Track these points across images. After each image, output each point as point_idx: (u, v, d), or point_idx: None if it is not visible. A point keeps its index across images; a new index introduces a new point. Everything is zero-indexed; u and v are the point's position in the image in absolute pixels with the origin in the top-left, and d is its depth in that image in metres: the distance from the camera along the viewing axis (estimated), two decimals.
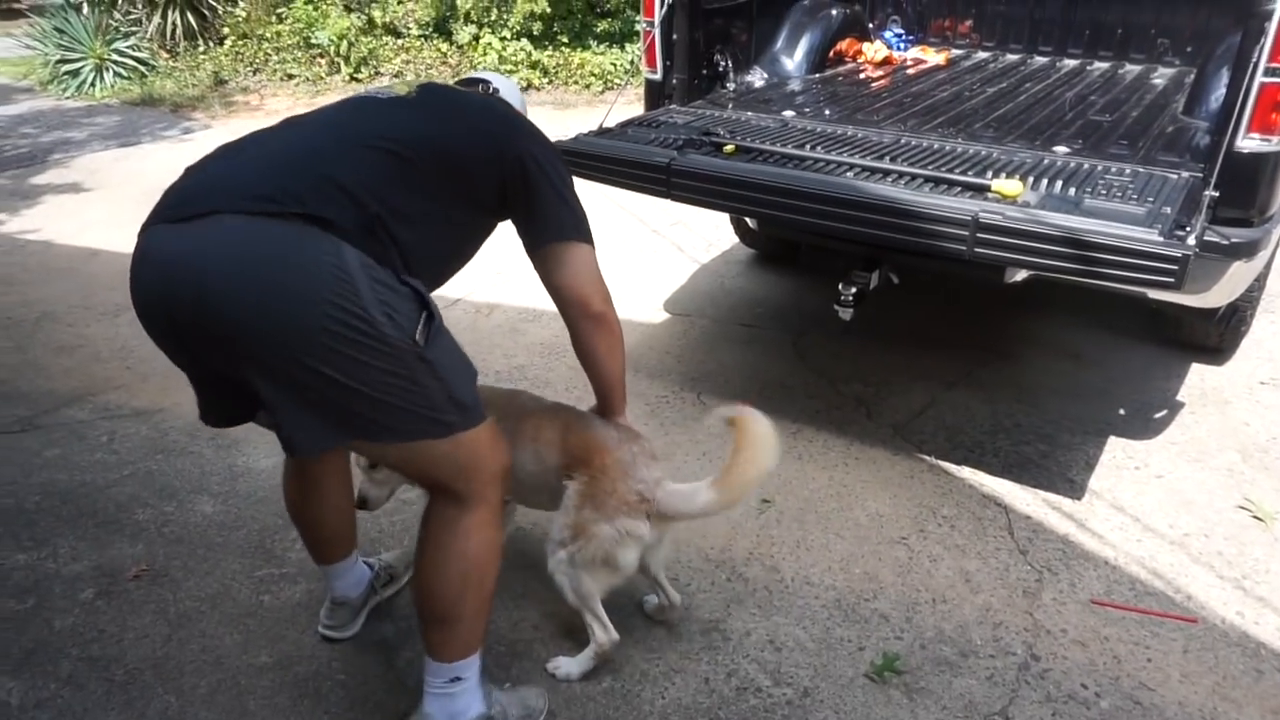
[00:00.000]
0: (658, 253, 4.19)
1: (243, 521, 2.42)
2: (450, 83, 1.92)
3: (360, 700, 1.86)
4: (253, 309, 1.30)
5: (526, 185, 1.59)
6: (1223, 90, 2.68)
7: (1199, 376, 3.07)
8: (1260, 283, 2.72)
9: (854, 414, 2.87)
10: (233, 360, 1.38)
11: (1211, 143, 2.42)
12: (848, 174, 2.22)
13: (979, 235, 1.94)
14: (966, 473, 2.57)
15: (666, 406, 2.92)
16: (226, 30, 8.28)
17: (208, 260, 1.32)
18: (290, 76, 7.83)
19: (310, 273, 1.32)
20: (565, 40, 7.69)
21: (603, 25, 7.73)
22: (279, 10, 8.19)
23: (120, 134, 6.55)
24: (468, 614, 1.56)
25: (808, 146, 2.42)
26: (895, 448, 2.69)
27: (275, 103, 7.36)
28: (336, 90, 7.48)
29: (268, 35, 8.10)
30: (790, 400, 2.94)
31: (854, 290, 2.48)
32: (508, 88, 1.88)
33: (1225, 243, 2.15)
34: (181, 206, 1.40)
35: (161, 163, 5.73)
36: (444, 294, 3.69)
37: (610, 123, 2.74)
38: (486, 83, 1.87)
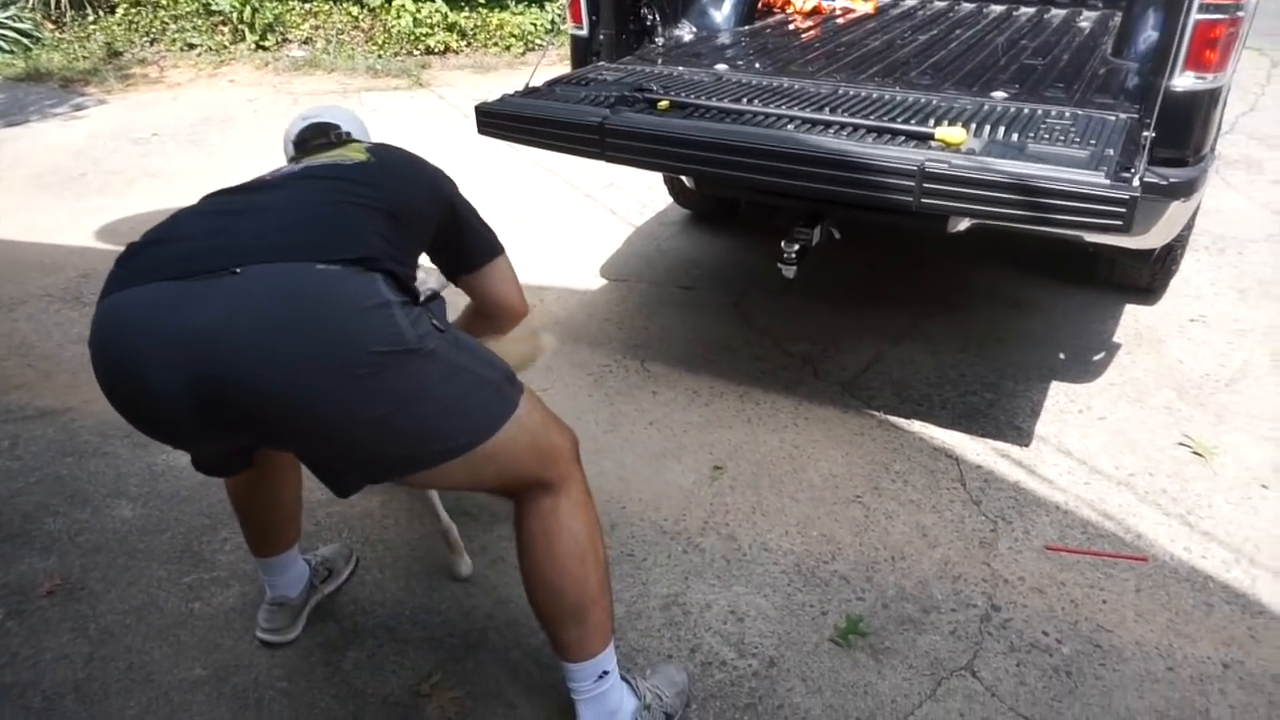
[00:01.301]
0: (591, 217, 4.07)
1: (166, 524, 2.27)
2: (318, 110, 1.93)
3: (306, 708, 1.75)
4: (309, 389, 1.20)
5: (457, 223, 1.69)
6: (1150, 32, 2.68)
7: (1133, 317, 3.11)
8: (1191, 222, 2.75)
9: (801, 373, 2.82)
10: (276, 434, 1.33)
11: (1144, 83, 2.42)
12: (788, 126, 2.14)
13: (925, 185, 1.89)
14: (916, 426, 2.55)
15: (610, 376, 2.83)
16: None
17: (247, 331, 1.18)
18: (191, 46, 7.37)
19: (357, 322, 1.23)
20: (483, 1, 7.41)
21: None
22: None
23: (5, 112, 6.08)
24: (597, 595, 1.49)
25: (745, 100, 2.33)
26: (844, 405, 2.66)
27: (177, 74, 6.93)
28: (242, 60, 7.09)
29: (163, 2, 7.61)
30: (736, 362, 2.89)
31: (796, 247, 2.41)
32: (355, 125, 1.90)
33: (1164, 183, 2.14)
34: (186, 262, 1.23)
35: (53, 143, 5.35)
36: None
37: (536, 83, 2.60)
38: (336, 127, 1.84)
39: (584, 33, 2.84)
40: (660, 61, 2.90)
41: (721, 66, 2.76)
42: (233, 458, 1.58)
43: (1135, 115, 2.26)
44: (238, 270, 1.20)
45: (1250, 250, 3.57)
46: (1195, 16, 2.05)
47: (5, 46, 7.34)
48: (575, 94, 2.44)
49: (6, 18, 7.44)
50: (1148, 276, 3.06)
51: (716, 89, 2.46)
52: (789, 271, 2.44)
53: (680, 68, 2.78)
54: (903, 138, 2.05)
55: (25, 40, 7.44)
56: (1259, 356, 2.86)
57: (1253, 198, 4.09)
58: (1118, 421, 2.56)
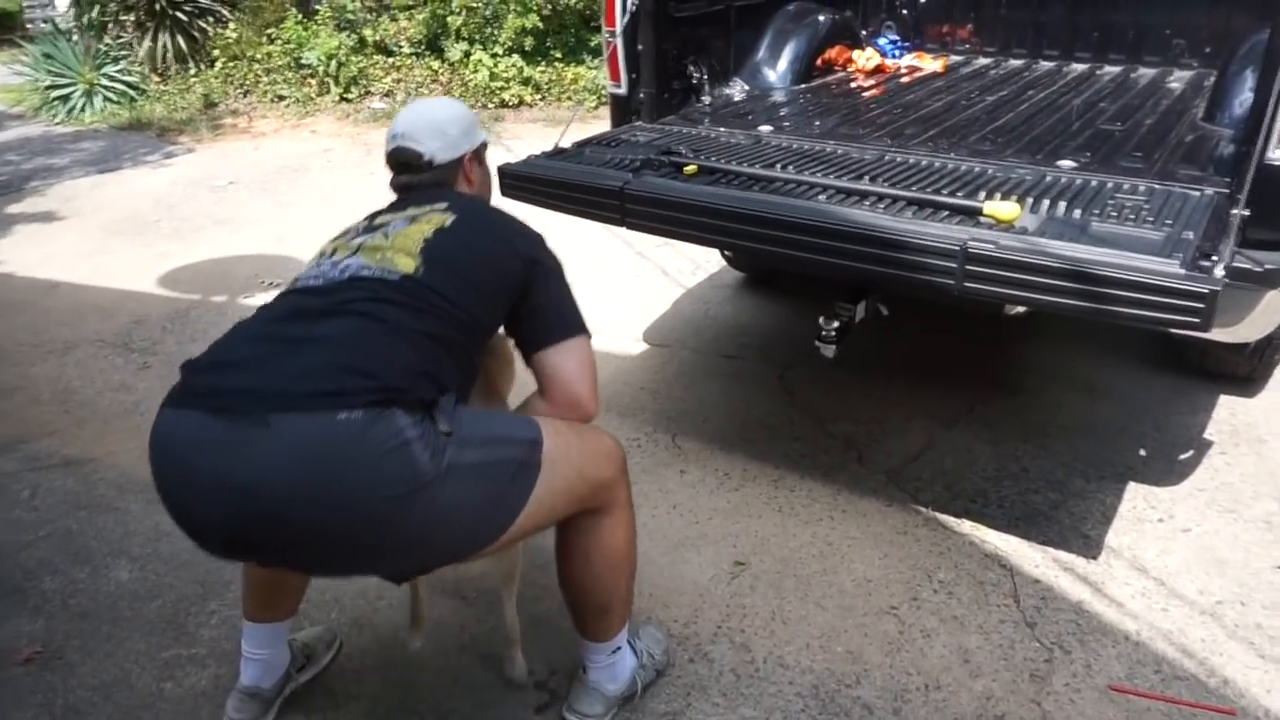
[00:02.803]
0: (641, 277, 3.93)
1: (159, 590, 2.18)
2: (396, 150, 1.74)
3: None
4: (336, 539, 1.30)
5: (535, 291, 1.58)
6: (1248, 94, 2.41)
7: (1229, 411, 2.77)
8: None
9: (843, 458, 2.59)
10: (309, 569, 1.54)
11: (1238, 153, 2.15)
12: (819, 196, 1.96)
13: (968, 268, 1.67)
14: (967, 527, 2.29)
15: (638, 450, 2.65)
16: (217, 52, 8.13)
17: (275, 492, 1.26)
18: (281, 98, 7.66)
19: (373, 473, 1.26)
20: (559, 55, 7.48)
21: (597, 39, 7.51)
22: (269, 31, 8.04)
23: (102, 160, 6.39)
24: (623, 597, 1.67)
25: (778, 166, 2.16)
26: (888, 498, 2.41)
27: (264, 124, 7.19)
28: (326, 111, 7.31)
29: (258, 56, 7.95)
30: (774, 442, 2.67)
31: (836, 324, 2.21)
32: (453, 132, 1.73)
33: (1259, 270, 1.87)
34: (229, 397, 1.31)
35: (138, 189, 5.56)
36: None
37: (570, 142, 2.50)
38: (419, 156, 1.70)
39: (622, 91, 2.72)
40: (706, 121, 2.77)
41: (765, 128, 2.61)
42: None
43: (1225, 190, 2.00)
44: (269, 421, 1.26)
45: None
46: None
47: (113, 98, 7.77)
48: (601, 156, 2.32)
49: (117, 71, 7.89)
50: (1246, 367, 2.73)
51: (752, 153, 2.30)
52: (828, 351, 2.24)
53: (722, 129, 2.64)
54: (947, 212, 1.84)
55: (132, 92, 7.86)
56: None
57: None
58: (1205, 535, 2.24)
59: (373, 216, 1.65)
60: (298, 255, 4.27)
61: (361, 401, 1.26)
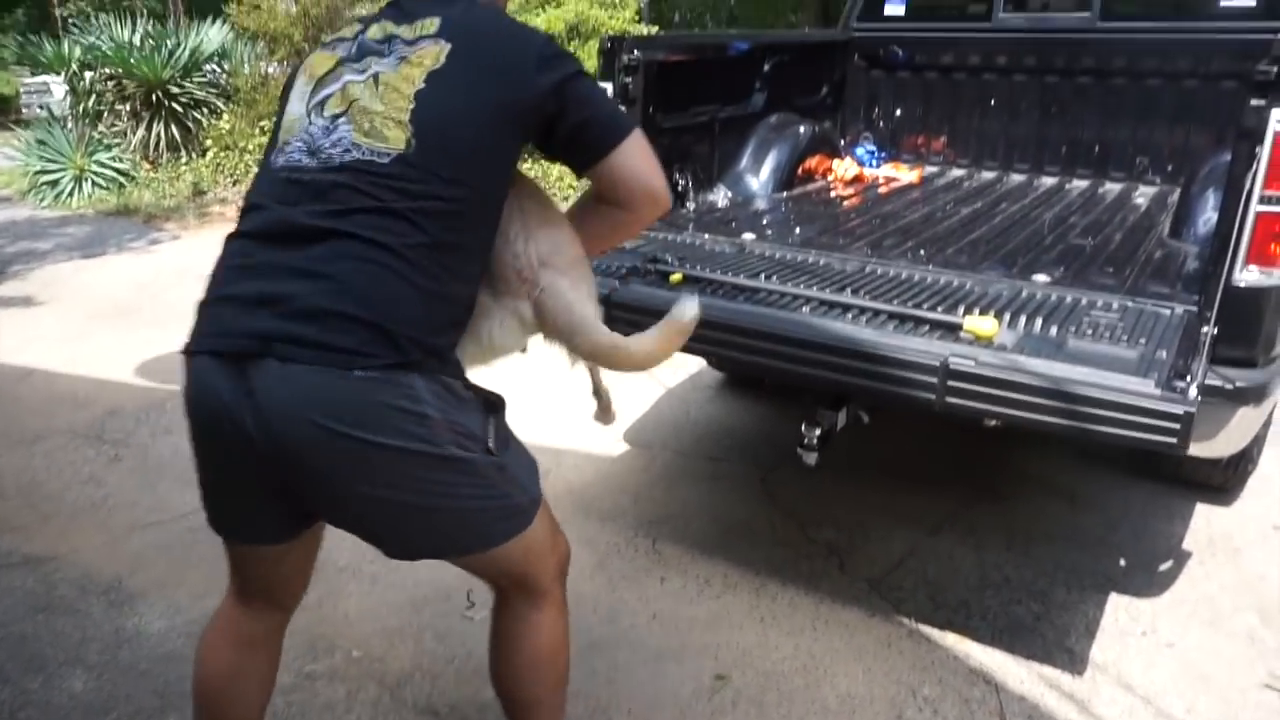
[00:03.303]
0: (622, 376, 3.93)
1: (113, 703, 2.09)
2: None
3: None
4: (337, 472, 1.28)
5: (570, 110, 1.37)
6: (1211, 213, 2.50)
7: (1205, 520, 2.79)
8: (1268, 423, 2.48)
9: (825, 565, 2.57)
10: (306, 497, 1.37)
11: (1205, 271, 2.21)
12: (803, 308, 2.00)
13: (949, 383, 1.70)
14: (951, 640, 2.26)
15: (617, 556, 2.61)
16: (210, 142, 8.29)
17: (284, 430, 1.24)
18: None
19: (391, 434, 1.25)
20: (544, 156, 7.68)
21: None
22: (263, 123, 8.21)
23: (86, 245, 6.42)
24: (545, 697, 1.59)
25: (763, 276, 2.21)
26: (871, 607, 2.38)
27: None
28: None
29: (250, 147, 8.10)
30: (755, 548, 2.65)
31: (818, 432, 2.22)
32: None
33: (1229, 387, 1.91)
34: (228, 338, 1.28)
35: (122, 275, 5.57)
36: None
37: None
38: None
39: None
40: (690, 228, 2.83)
41: (749, 236, 2.67)
42: (271, 525, 1.46)
43: (1194, 308, 2.05)
44: (278, 362, 1.22)
45: None
46: (1257, 208, 1.87)
47: (103, 184, 7.87)
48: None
49: (108, 158, 8.01)
50: (1221, 477, 2.76)
51: (737, 262, 2.35)
52: (810, 459, 2.24)
53: (706, 235, 2.69)
54: (928, 327, 1.88)
55: (122, 179, 7.97)
56: None
57: None
58: (1189, 650, 2.22)
59: (367, 24, 1.44)
60: None
61: (377, 364, 1.23)
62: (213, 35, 8.96)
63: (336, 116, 1.33)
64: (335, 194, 1.28)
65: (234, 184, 7.95)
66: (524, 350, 1.56)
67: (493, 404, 1.38)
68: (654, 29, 8.25)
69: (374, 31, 1.40)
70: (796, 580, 2.49)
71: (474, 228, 1.35)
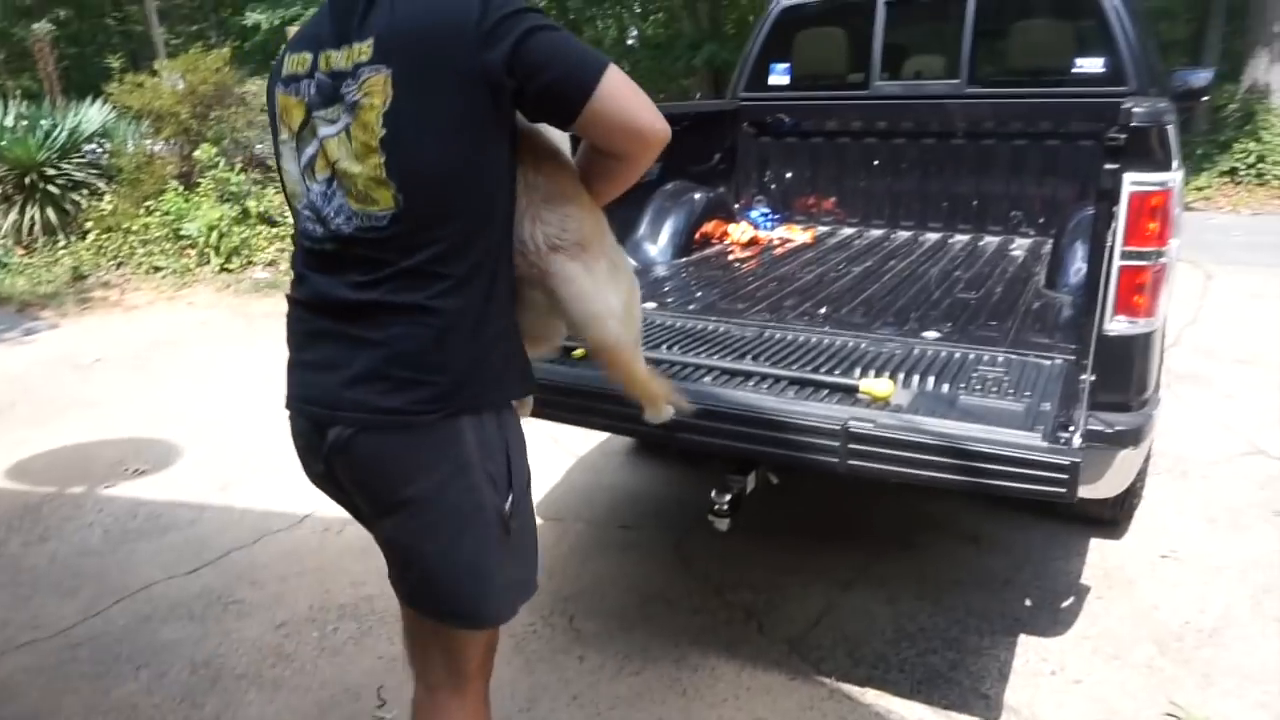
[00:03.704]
0: (531, 446, 3.89)
1: None
2: None
3: None
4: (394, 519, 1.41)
5: (532, 71, 1.27)
6: (1081, 263, 2.66)
7: (1100, 554, 2.90)
8: (1148, 457, 2.61)
9: (744, 629, 2.56)
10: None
11: (1079, 321, 2.35)
12: (706, 378, 2.02)
13: (850, 446, 1.74)
14: (871, 697, 2.27)
15: (534, 637, 2.54)
16: (90, 224, 7.94)
17: (357, 473, 1.39)
18: (157, 269, 7.48)
19: (441, 481, 1.36)
20: None
21: None
22: (148, 203, 7.94)
23: None
24: None
25: (664, 347, 2.23)
26: (791, 670, 2.38)
27: (137, 296, 6.98)
28: (205, 282, 7.17)
29: (134, 228, 7.79)
30: (673, 617, 2.62)
31: (728, 497, 2.22)
32: None
33: (1109, 431, 2.02)
34: (307, 405, 1.42)
35: None
36: (291, 510, 3.31)
37: None
38: None
39: None
40: None
41: (650, 305, 2.70)
42: None
43: (1072, 357, 2.17)
44: (345, 427, 1.35)
45: (1214, 473, 3.43)
46: (1119, 263, 2.00)
47: None
48: None
49: None
50: (1110, 512, 2.89)
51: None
52: (721, 525, 2.24)
53: None
54: (827, 390, 1.93)
55: None
56: (1239, 599, 2.64)
57: (1207, 414, 4.01)
58: (1096, 685, 2.29)
59: (314, 49, 1.35)
60: (170, 438, 4.06)
61: (427, 418, 1.32)
62: (93, 115, 8.67)
63: (329, 181, 1.33)
64: (357, 266, 1.33)
65: (117, 266, 7.61)
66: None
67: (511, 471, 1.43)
68: None
69: (323, 63, 1.33)
70: (716, 647, 2.47)
71: (489, 235, 1.33)
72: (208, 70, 8.51)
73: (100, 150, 8.62)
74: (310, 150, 1.35)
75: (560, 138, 1.46)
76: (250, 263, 7.47)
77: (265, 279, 7.10)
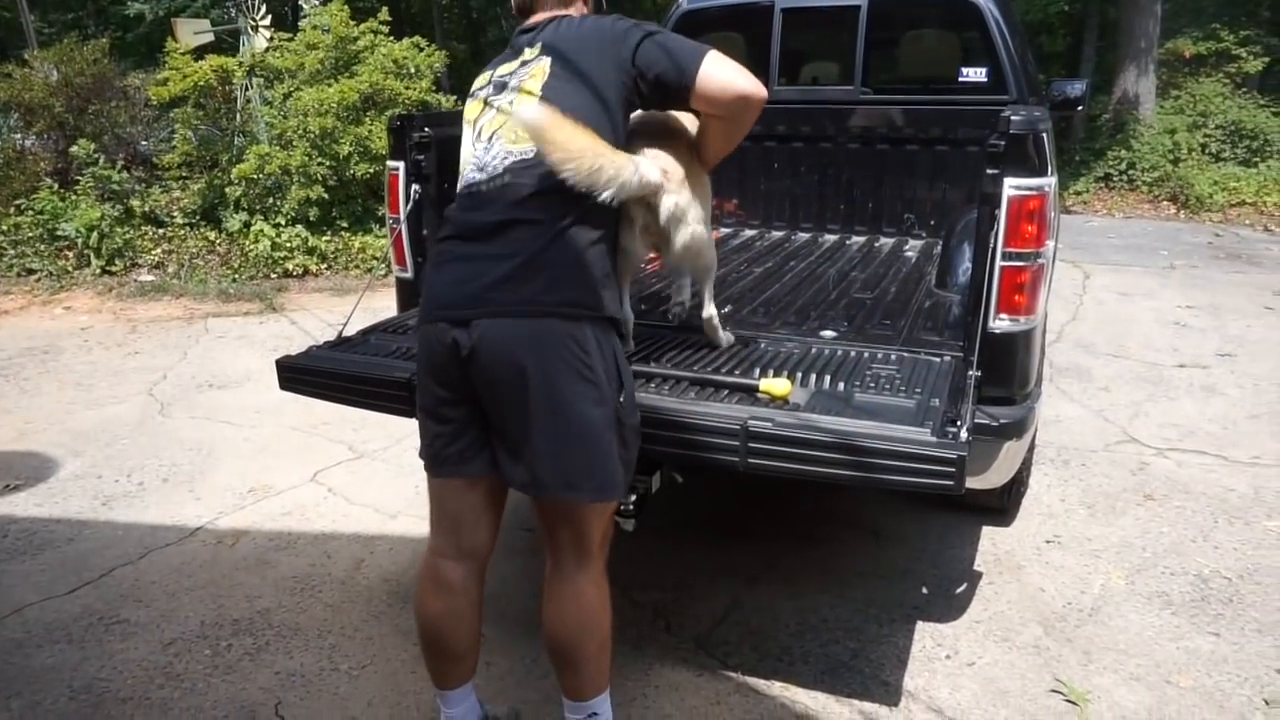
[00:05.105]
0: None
1: None
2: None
3: None
4: (530, 392, 1.64)
5: (650, 72, 1.74)
6: (968, 264, 2.77)
7: (991, 541, 3.04)
8: (1032, 448, 2.75)
9: (652, 628, 2.57)
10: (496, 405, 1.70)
11: (966, 320, 2.45)
12: None
13: (750, 445, 1.77)
14: (777, 689, 2.31)
15: None
16: None
17: (494, 358, 1.64)
18: (30, 271, 7.03)
19: (566, 363, 1.64)
20: (345, 224, 7.44)
21: (384, 209, 7.56)
22: (19, 201, 7.45)
23: None
24: (593, 661, 1.83)
25: None
26: (699, 666, 2.41)
27: (7, 301, 6.53)
28: (84, 285, 6.77)
29: (4, 228, 7.30)
30: None
31: (634, 498, 2.23)
32: None
33: (995, 424, 2.11)
34: (452, 308, 1.69)
35: None
36: (181, 523, 3.16)
37: (368, 324, 2.45)
38: None
39: (409, 275, 2.73)
40: None
41: None
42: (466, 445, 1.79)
43: (960, 354, 2.26)
44: (488, 317, 1.65)
45: (1092, 462, 3.64)
46: (1001, 264, 2.10)
47: None
48: (388, 345, 2.29)
49: None
50: (999, 501, 3.03)
51: None
52: (628, 525, 2.24)
53: None
54: (727, 391, 1.96)
55: None
56: (1115, 580, 2.80)
57: (1087, 405, 4.25)
58: (987, 667, 2.40)
59: (496, 65, 1.85)
60: (46, 451, 3.82)
61: (558, 314, 1.63)
62: None
63: (492, 136, 1.76)
64: (504, 192, 1.69)
65: None
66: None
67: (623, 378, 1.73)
68: (453, 100, 8.25)
69: (502, 70, 1.82)
70: (624, 646, 2.47)
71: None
72: (84, 61, 8.06)
73: None
74: (481, 123, 1.79)
75: (691, 123, 2.00)
76: (135, 265, 7.09)
77: (152, 282, 6.75)
